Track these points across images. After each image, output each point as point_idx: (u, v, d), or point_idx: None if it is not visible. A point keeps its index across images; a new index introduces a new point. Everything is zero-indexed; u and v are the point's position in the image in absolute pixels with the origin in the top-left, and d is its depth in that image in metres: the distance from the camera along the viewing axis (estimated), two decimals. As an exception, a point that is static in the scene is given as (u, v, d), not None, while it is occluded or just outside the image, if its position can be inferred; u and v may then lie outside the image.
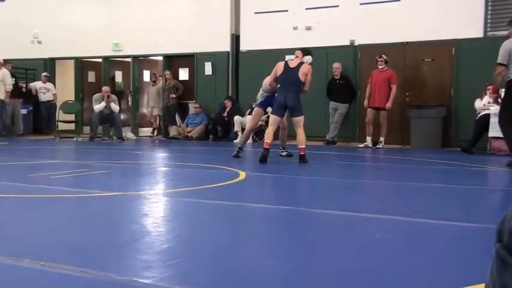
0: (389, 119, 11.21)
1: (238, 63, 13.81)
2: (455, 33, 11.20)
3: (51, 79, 15.47)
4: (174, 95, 13.99)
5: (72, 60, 15.88)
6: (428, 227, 3.64)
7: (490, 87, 9.96)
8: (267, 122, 12.89)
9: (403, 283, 2.43)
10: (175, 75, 14.46)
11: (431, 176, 6.91)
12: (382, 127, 11.20)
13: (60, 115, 13.44)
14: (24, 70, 15.35)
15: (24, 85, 15.03)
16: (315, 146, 11.59)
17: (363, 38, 12.22)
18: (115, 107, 12.91)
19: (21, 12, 15.85)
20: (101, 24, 15.11)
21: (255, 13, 13.35)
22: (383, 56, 11.22)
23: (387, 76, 11.15)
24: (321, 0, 12.59)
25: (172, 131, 13.75)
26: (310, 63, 8.06)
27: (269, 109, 9.20)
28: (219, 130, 13.25)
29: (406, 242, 3.25)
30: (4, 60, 14.18)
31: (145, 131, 15.68)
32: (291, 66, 7.88)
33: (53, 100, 14.89)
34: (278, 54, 13.01)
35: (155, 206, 4.44)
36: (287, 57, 8.23)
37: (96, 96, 13.06)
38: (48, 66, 15.87)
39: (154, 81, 14.85)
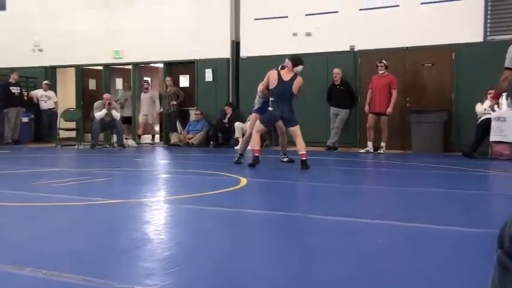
0: (390, 124, 11.21)
1: (238, 69, 13.83)
2: (455, 38, 11.21)
3: (52, 87, 15.50)
4: (174, 102, 13.99)
5: (73, 68, 15.91)
6: (430, 232, 3.64)
7: (491, 91, 9.95)
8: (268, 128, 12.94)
9: (405, 289, 2.43)
10: (176, 82, 14.48)
11: (432, 181, 6.91)
12: (383, 132, 11.20)
13: (61, 123, 13.46)
14: (26, 78, 15.37)
15: (25, 93, 15.06)
16: (315, 151, 11.59)
17: (362, 44, 12.24)
18: (116, 114, 12.92)
19: (22, 20, 15.90)
20: (101, 32, 15.15)
21: (255, 19, 13.38)
22: (383, 61, 11.24)
23: (387, 81, 11.16)
24: (320, 6, 12.62)
25: (173, 137, 13.75)
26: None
27: None
28: (219, 136, 13.26)
29: (408, 248, 3.24)
30: (11, 69, 14.29)
31: (146, 138, 15.68)
32: (284, 79, 7.87)
33: (54, 108, 14.91)
34: (278, 60, 12.92)
35: (157, 213, 4.44)
36: (299, 68, 8.05)
37: (97, 103, 13.07)
38: (49, 74, 15.90)
39: (146, 88, 14.56)
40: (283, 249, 3.23)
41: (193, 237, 3.53)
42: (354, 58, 12.41)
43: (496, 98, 7.15)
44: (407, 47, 11.73)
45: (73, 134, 14.09)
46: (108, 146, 13.30)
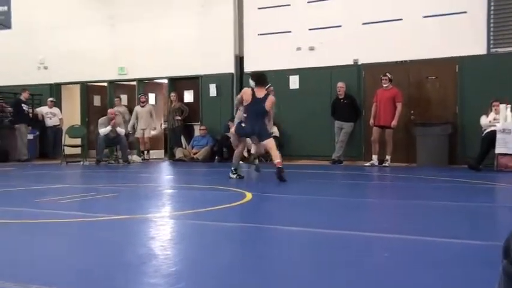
0: (394, 137, 11.21)
1: (242, 84, 13.87)
2: (459, 50, 11.24)
3: (57, 104, 15.58)
4: (179, 117, 14.03)
5: (78, 85, 16.01)
6: (436, 245, 3.61)
7: (496, 103, 9.96)
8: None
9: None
10: (180, 98, 14.52)
11: (438, 193, 6.88)
12: (387, 145, 11.19)
13: (67, 139, 13.50)
14: (31, 96, 15.47)
15: (30, 110, 15.16)
16: (321, 165, 11.58)
17: (366, 57, 12.27)
18: (121, 130, 12.95)
19: (27, 38, 16.04)
20: (105, 49, 15.26)
21: (259, 34, 13.45)
22: (387, 74, 11.26)
23: (392, 94, 11.17)
24: (323, 21, 12.68)
25: (178, 153, 13.77)
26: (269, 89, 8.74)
27: None
28: (224, 151, 13.26)
29: (414, 260, 3.22)
30: (22, 88, 14.45)
31: (152, 154, 15.70)
32: (258, 97, 8.32)
33: (59, 125, 14.98)
34: (282, 74, 13.11)
35: (162, 228, 4.43)
36: (251, 83, 8.57)
37: (101, 119, 13.11)
38: (54, 91, 16.00)
39: (143, 102, 14.22)
40: (289, 265, 3.21)
41: (199, 253, 3.52)
42: (357, 72, 12.44)
43: None
44: (411, 60, 11.76)
45: (78, 150, 14.13)
46: (113, 161, 13.32)
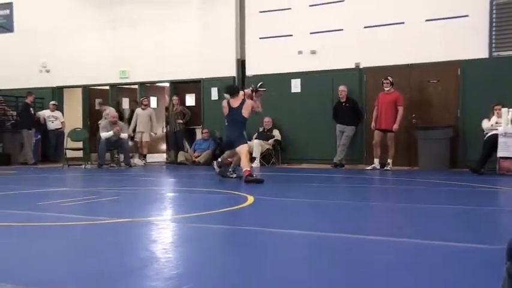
0: (396, 141, 11.19)
1: (244, 88, 13.86)
2: (461, 54, 11.23)
3: (59, 107, 15.60)
4: (181, 121, 14.03)
5: (80, 88, 16.03)
6: (439, 248, 3.61)
7: (498, 107, 9.96)
8: (274, 146, 12.96)
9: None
10: (182, 101, 14.53)
11: (440, 197, 6.87)
12: (389, 149, 11.17)
13: (68, 143, 13.51)
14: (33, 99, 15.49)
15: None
16: (322, 169, 11.58)
17: (368, 61, 12.27)
18: (123, 134, 12.95)
19: (30, 42, 16.07)
20: (107, 52, 15.28)
21: (260, 38, 13.46)
22: (389, 78, 11.25)
23: (393, 98, 11.16)
24: (325, 24, 12.69)
25: (180, 156, 13.77)
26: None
27: None
28: (226, 155, 13.24)
29: (416, 264, 3.21)
30: (28, 92, 14.48)
31: (155, 157, 15.71)
32: (233, 106, 8.90)
33: (61, 128, 14.99)
34: (284, 78, 13.13)
35: (163, 232, 4.43)
36: (226, 96, 9.18)
37: (103, 123, 13.12)
38: (56, 95, 16.02)
39: (145, 105, 14.14)
40: (291, 268, 3.21)
41: (200, 256, 3.52)
42: (359, 75, 12.44)
43: None
44: (412, 64, 11.76)
45: (80, 153, 14.13)
46: (114, 165, 13.32)
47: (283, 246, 3.85)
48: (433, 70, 11.58)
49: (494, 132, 9.78)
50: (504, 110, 9.81)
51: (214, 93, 13.99)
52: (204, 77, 14.12)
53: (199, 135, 14.17)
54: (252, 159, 12.32)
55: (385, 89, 11.28)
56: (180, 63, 14.23)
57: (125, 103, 16.18)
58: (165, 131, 15.62)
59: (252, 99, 9.10)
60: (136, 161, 13.66)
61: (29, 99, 14.42)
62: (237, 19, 13.90)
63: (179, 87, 14.85)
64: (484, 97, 10.64)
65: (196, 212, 5.34)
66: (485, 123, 10.23)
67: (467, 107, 11.27)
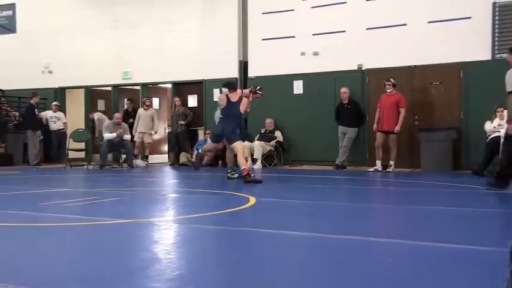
0: (398, 143, 11.18)
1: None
2: (463, 56, 11.23)
3: (62, 108, 15.63)
4: (183, 122, 14.03)
5: (82, 89, 16.05)
6: (441, 250, 3.60)
7: (500, 109, 9.94)
8: (276, 147, 12.96)
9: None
10: (184, 102, 14.54)
11: (442, 199, 6.86)
12: (391, 151, 11.17)
13: (71, 143, 13.52)
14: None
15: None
16: (324, 170, 11.57)
17: (370, 62, 12.28)
18: (126, 136, 12.95)
19: (32, 42, 16.11)
20: (110, 53, 15.31)
21: (263, 39, 13.47)
22: (391, 79, 11.25)
23: (395, 100, 11.16)
24: (327, 26, 12.69)
25: (182, 157, 13.77)
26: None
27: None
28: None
29: (417, 266, 3.21)
30: (33, 92, 14.50)
31: (157, 158, 15.72)
32: (232, 100, 9.00)
33: (63, 129, 15.02)
34: (286, 79, 13.13)
35: (165, 232, 4.43)
36: (224, 90, 9.29)
37: (106, 124, 13.12)
38: (58, 96, 16.05)
39: (148, 106, 14.17)
40: (292, 269, 3.20)
41: (202, 257, 3.52)
42: (361, 77, 12.44)
43: None
44: (415, 66, 11.75)
45: (82, 154, 14.15)
46: (116, 166, 13.33)
47: (285, 247, 3.85)
48: (436, 72, 11.57)
49: (496, 134, 9.76)
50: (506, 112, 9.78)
51: (216, 95, 13.97)
52: (206, 78, 14.13)
53: (201, 136, 14.17)
54: (253, 160, 12.33)
55: (387, 90, 11.28)
56: (182, 64, 14.25)
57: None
58: (167, 131, 15.63)
59: (248, 98, 9.19)
60: (139, 162, 13.66)
61: (33, 100, 14.44)
62: (239, 20, 13.91)
63: (181, 88, 14.86)
64: (486, 99, 10.62)
65: (198, 213, 5.34)
66: (488, 125, 10.21)
67: (469, 109, 11.26)
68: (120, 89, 15.90)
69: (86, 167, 13.15)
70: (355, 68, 12.50)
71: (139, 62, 14.91)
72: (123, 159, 13.35)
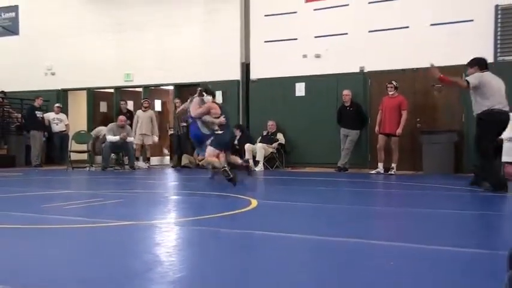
0: (400, 145, 11.18)
1: (248, 91, 13.90)
2: (465, 58, 11.17)
3: (64, 110, 15.65)
4: (184, 124, 14.01)
5: (85, 91, 16.08)
6: (442, 253, 3.60)
7: None
8: (278, 150, 12.96)
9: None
10: (186, 104, 14.52)
11: (444, 202, 6.86)
12: (393, 153, 11.17)
13: (73, 145, 13.54)
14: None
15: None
16: (326, 173, 11.57)
17: (372, 65, 12.28)
18: (130, 138, 12.96)
19: (35, 44, 16.15)
20: (112, 56, 15.34)
21: (265, 42, 13.48)
22: (393, 82, 11.26)
23: (397, 102, 11.16)
24: (330, 28, 12.70)
25: (184, 159, 13.77)
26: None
27: None
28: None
29: (419, 269, 3.21)
30: (36, 95, 14.53)
31: (158, 160, 15.73)
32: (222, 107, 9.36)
33: (65, 131, 15.04)
34: (288, 82, 13.14)
35: (167, 235, 4.43)
36: (209, 98, 9.36)
37: (109, 126, 13.11)
38: (61, 97, 16.08)
39: (146, 107, 14.03)
40: (294, 272, 3.20)
41: (204, 259, 3.52)
42: (363, 79, 12.45)
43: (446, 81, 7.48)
44: (417, 68, 11.75)
45: (84, 156, 14.17)
46: (118, 168, 13.34)
47: (287, 250, 3.85)
48: (438, 74, 11.54)
49: (499, 137, 9.75)
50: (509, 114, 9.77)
51: (218, 97, 13.98)
52: (208, 80, 14.13)
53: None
54: (255, 162, 12.34)
55: (389, 93, 11.29)
56: (184, 66, 14.27)
57: (129, 106, 16.21)
58: (169, 133, 15.63)
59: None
60: (140, 164, 13.67)
61: (37, 102, 14.47)
62: (241, 22, 13.93)
63: (183, 90, 14.86)
64: (488, 102, 10.59)
65: (200, 215, 5.34)
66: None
67: (471, 112, 11.21)
68: (122, 91, 15.92)
69: (87, 168, 13.17)
70: (357, 70, 12.50)
71: (141, 64, 14.94)
72: (124, 161, 13.36)
